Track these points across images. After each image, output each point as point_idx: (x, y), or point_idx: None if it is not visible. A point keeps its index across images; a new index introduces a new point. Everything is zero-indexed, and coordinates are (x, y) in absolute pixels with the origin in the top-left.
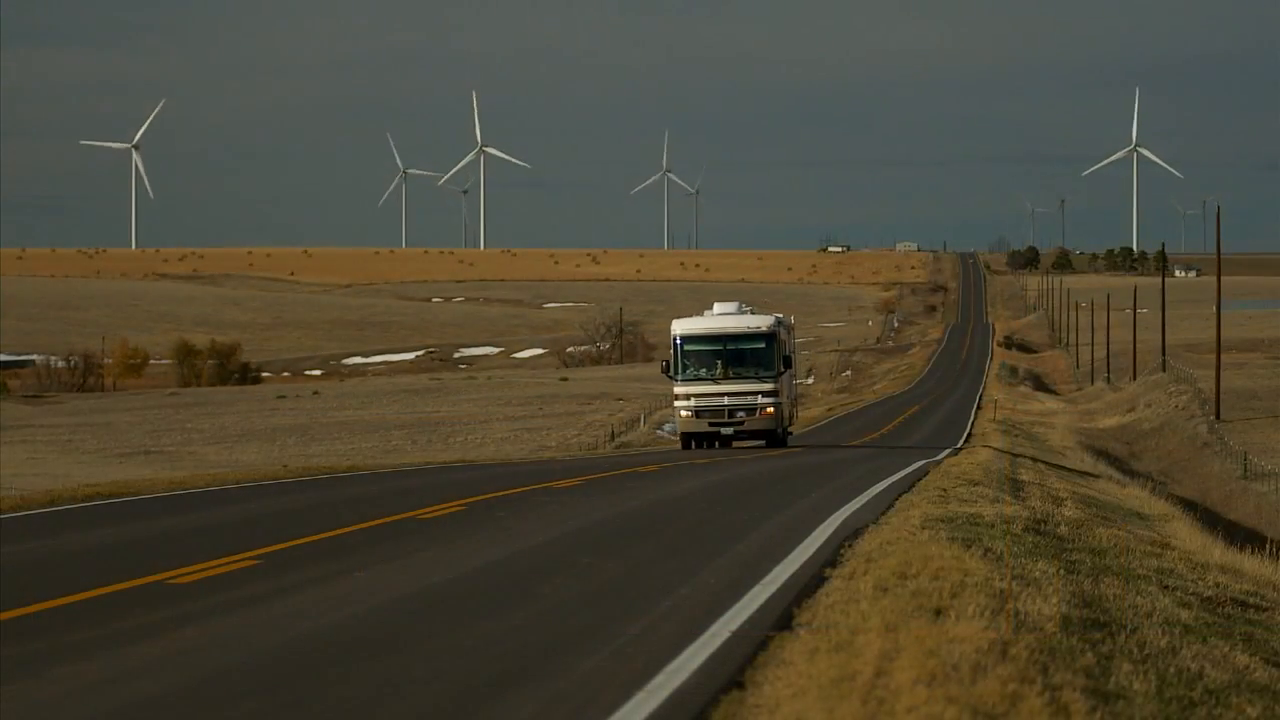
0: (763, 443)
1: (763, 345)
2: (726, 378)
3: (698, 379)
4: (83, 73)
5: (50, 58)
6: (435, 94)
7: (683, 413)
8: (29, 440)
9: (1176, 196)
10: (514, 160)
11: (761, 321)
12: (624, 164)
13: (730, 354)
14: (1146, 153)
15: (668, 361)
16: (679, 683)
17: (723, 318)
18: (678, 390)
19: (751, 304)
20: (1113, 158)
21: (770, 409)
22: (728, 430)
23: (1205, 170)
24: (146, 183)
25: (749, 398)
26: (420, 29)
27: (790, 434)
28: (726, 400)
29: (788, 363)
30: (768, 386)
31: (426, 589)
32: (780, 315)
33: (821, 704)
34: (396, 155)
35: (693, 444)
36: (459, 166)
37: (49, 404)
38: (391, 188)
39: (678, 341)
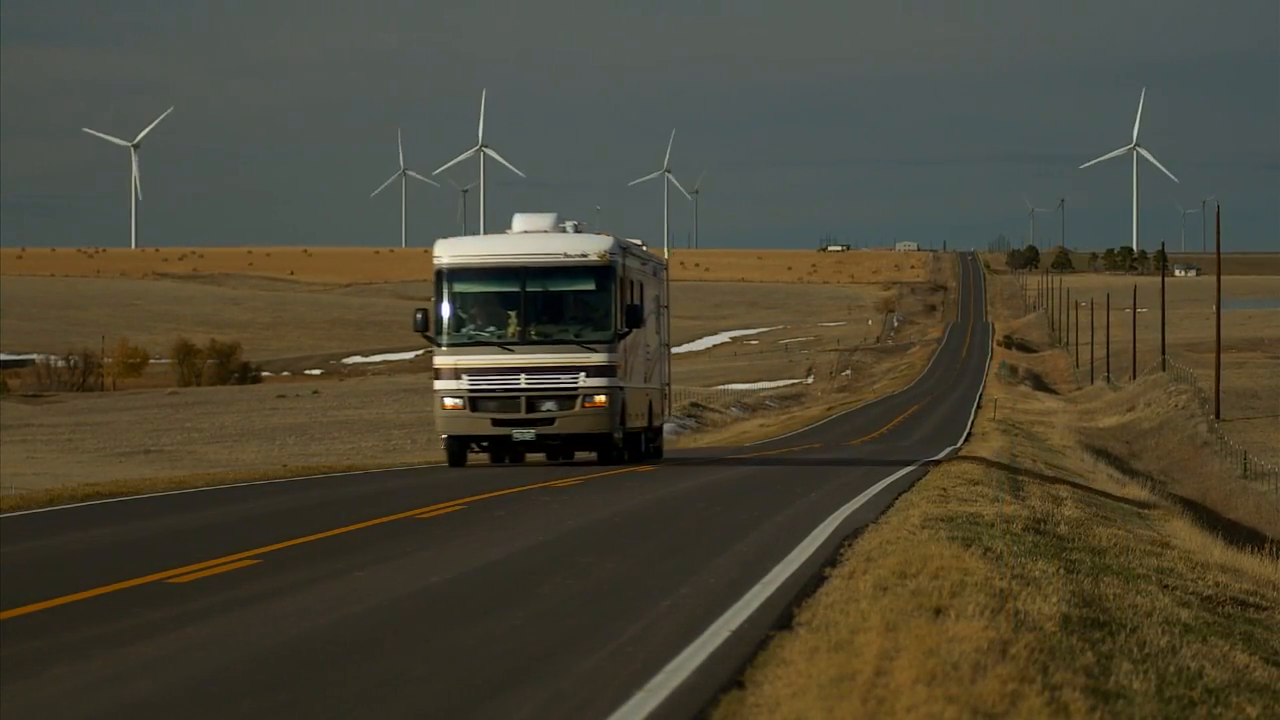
0: (593, 455)
1: (590, 287)
2: (526, 341)
3: (474, 343)
4: (83, 73)
5: (50, 57)
6: (435, 94)
7: (447, 401)
8: (29, 440)
9: (1175, 196)
10: (509, 166)
11: (589, 246)
12: (624, 164)
13: (533, 301)
14: (1145, 153)
15: (423, 311)
16: (678, 682)
17: (524, 239)
18: (441, 362)
19: (625, 237)
20: (1112, 154)
21: (602, 397)
22: (525, 433)
23: (1205, 170)
24: (138, 186)
25: (563, 377)
26: (421, 29)
27: (657, 445)
28: (524, 381)
29: (634, 317)
30: (598, 359)
31: (426, 588)
32: (630, 241)
33: (821, 703)
34: (401, 154)
35: (465, 456)
36: (455, 161)
37: (49, 403)
38: (389, 182)
39: (443, 276)
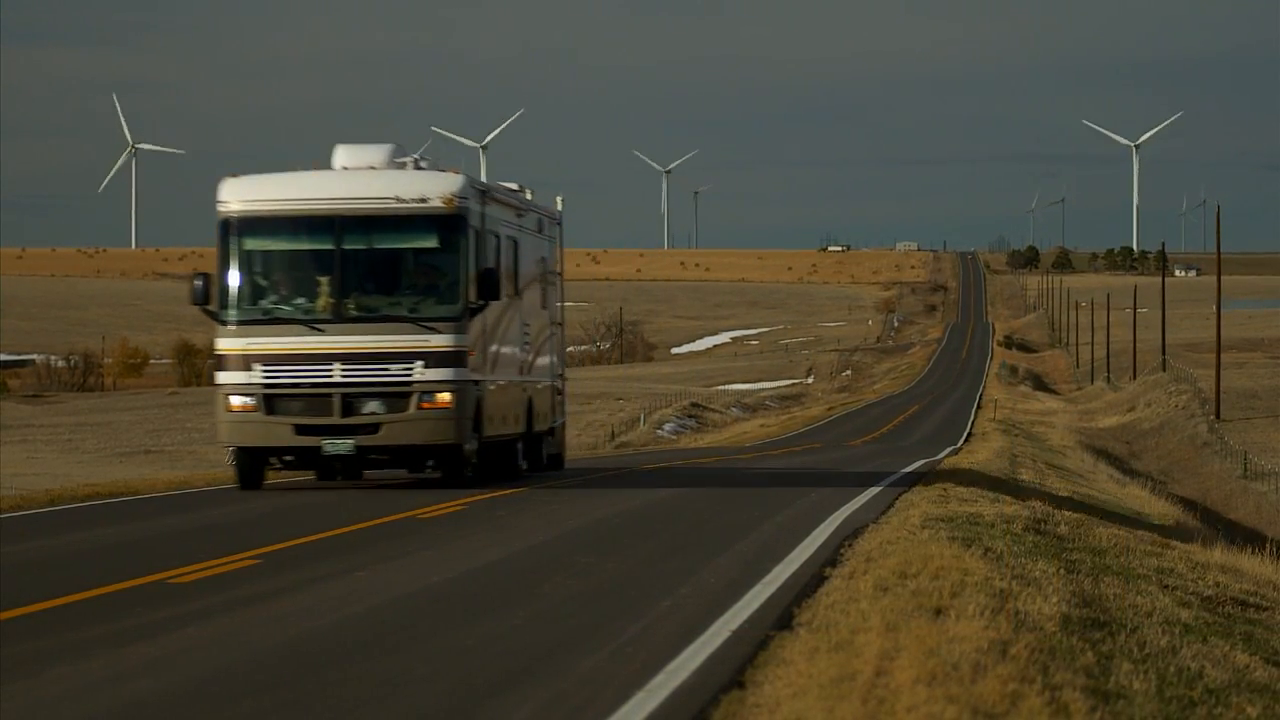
0: (435, 472)
1: (432, 243)
2: (342, 318)
3: (272, 320)
4: (83, 73)
5: (50, 57)
6: (436, 93)
7: (233, 400)
8: (29, 440)
9: (1178, 194)
10: (459, 139)
11: (430, 187)
12: (624, 164)
13: (353, 263)
14: (1146, 136)
15: (204, 277)
16: (679, 682)
17: (343, 179)
18: (226, 347)
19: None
20: (1135, 169)
21: (446, 395)
22: (339, 444)
23: (1205, 170)
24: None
25: (393, 368)
26: (421, 29)
27: (555, 455)
28: (339, 373)
29: (491, 285)
30: (441, 342)
31: (426, 588)
32: (500, 184)
33: (821, 703)
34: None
35: (261, 474)
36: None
37: (49, 404)
38: None
39: (230, 229)
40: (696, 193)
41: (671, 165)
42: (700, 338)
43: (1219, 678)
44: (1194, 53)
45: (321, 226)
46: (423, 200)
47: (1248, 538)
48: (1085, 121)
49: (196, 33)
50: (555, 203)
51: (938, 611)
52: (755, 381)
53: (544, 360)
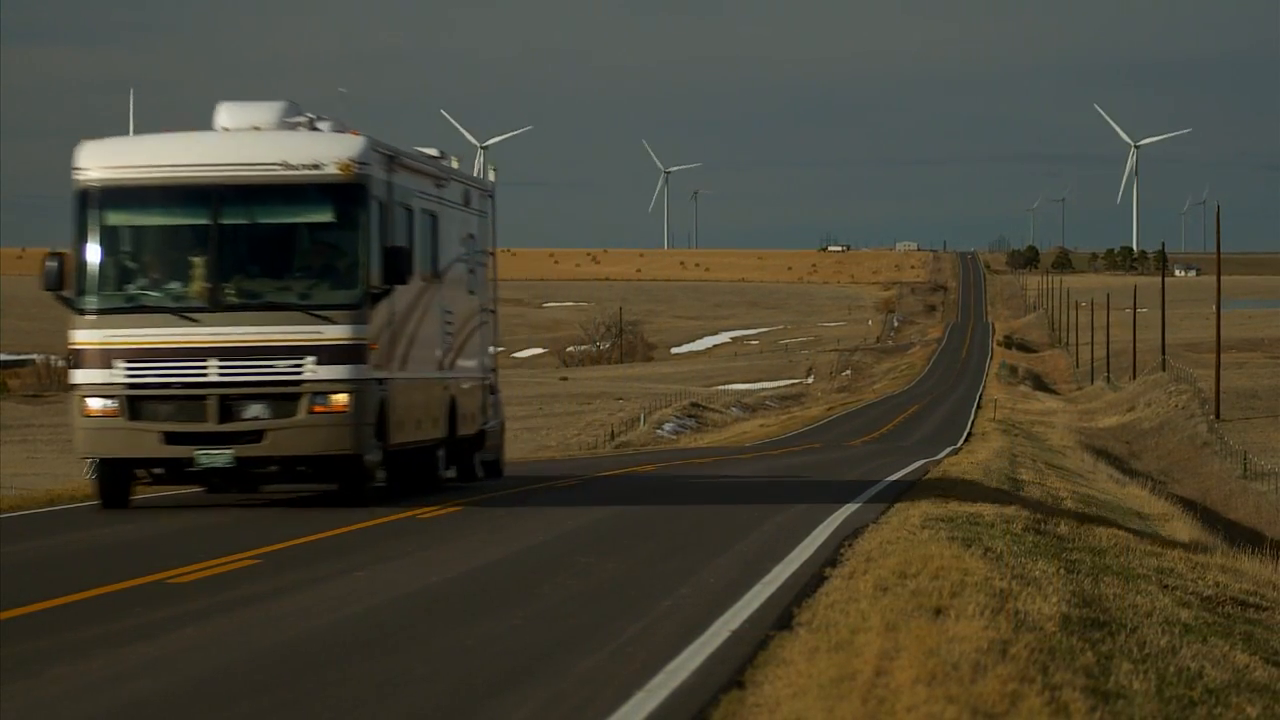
0: (334, 485)
1: (327, 217)
2: (221, 305)
3: (137, 308)
4: (83, 73)
5: (50, 57)
6: (436, 93)
7: (91, 403)
8: (29, 440)
9: (1178, 194)
10: (461, 130)
11: (324, 151)
12: (624, 164)
13: (233, 240)
14: (1149, 140)
15: (59, 258)
16: (679, 682)
17: (224, 141)
18: (83, 339)
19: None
20: (1126, 170)
21: (342, 396)
22: (216, 454)
23: (1206, 169)
24: None
25: (279, 364)
26: (421, 28)
27: (493, 462)
28: (215, 370)
29: (400, 266)
30: (336, 334)
31: (426, 588)
32: (414, 149)
33: (821, 703)
34: None
35: (127, 490)
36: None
37: (49, 403)
38: None
39: (89, 200)
40: (696, 193)
41: (672, 168)
42: (700, 338)
43: (1219, 678)
44: (1195, 53)
45: (195, 197)
46: (315, 166)
47: (1248, 538)
48: (1096, 106)
49: (197, 33)
50: (487, 173)
51: (938, 611)
52: (755, 381)
53: (471, 353)
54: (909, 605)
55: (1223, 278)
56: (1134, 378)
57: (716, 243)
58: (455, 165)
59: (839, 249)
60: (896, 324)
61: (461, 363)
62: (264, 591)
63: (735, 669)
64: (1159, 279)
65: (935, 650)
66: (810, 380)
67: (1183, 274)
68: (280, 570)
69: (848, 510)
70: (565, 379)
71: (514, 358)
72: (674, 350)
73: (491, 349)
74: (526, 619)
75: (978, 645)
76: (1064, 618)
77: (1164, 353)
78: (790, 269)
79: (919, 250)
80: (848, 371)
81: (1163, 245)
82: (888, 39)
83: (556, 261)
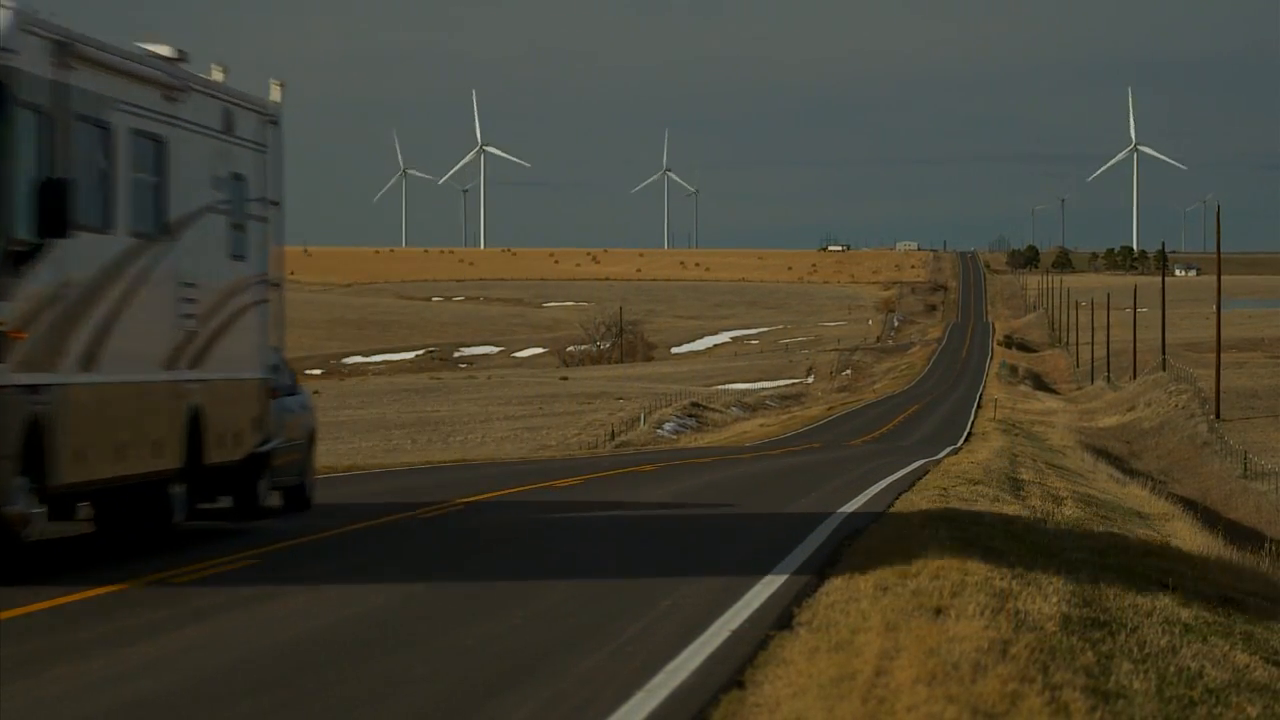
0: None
1: None
2: None
3: None
4: None
5: None
6: (436, 93)
7: None
8: None
9: (1178, 194)
10: (514, 159)
11: None
12: (624, 164)
13: None
14: (1148, 150)
15: None
16: (678, 682)
17: None
18: None
19: None
20: (1114, 160)
21: None
22: None
23: (1206, 169)
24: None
25: None
26: (421, 28)
27: (298, 489)
28: None
29: (57, 207)
30: None
31: (427, 588)
32: (84, 34)
33: (821, 703)
34: (400, 154)
35: None
36: (459, 166)
37: None
38: (390, 184)
39: None
40: (696, 192)
41: (672, 169)
42: (700, 338)
43: (1219, 677)
44: (1194, 53)
45: None
46: None
47: (1248, 537)
48: (1128, 89)
49: (196, 33)
50: (270, 89)
51: (938, 611)
52: (755, 381)
53: (236, 344)
54: (909, 605)
55: (1223, 277)
56: (1134, 377)
57: (716, 242)
58: (220, 79)
59: (839, 249)
60: (896, 324)
61: (216, 357)
62: (264, 592)
63: (735, 669)
64: (1159, 279)
65: (935, 650)
66: (810, 380)
67: (1183, 274)
68: (280, 570)
69: (856, 504)
70: (565, 379)
71: (514, 357)
72: (674, 350)
73: (276, 338)
74: (526, 618)
75: (978, 645)
76: (1064, 617)
77: (1164, 352)
78: (790, 269)
79: (919, 250)
80: (848, 371)
81: (1163, 245)
82: (888, 39)
83: (556, 261)
